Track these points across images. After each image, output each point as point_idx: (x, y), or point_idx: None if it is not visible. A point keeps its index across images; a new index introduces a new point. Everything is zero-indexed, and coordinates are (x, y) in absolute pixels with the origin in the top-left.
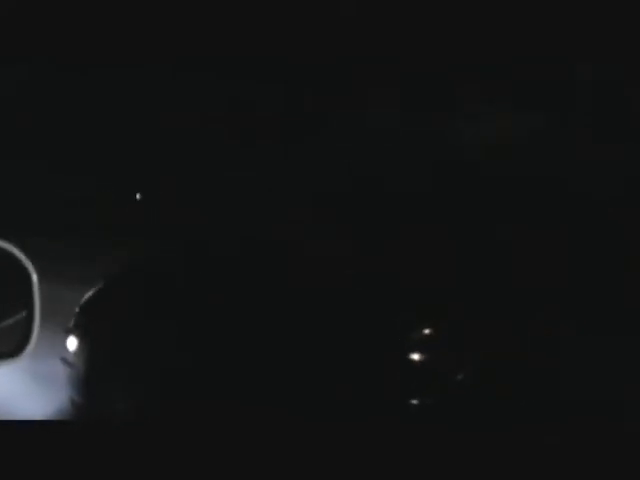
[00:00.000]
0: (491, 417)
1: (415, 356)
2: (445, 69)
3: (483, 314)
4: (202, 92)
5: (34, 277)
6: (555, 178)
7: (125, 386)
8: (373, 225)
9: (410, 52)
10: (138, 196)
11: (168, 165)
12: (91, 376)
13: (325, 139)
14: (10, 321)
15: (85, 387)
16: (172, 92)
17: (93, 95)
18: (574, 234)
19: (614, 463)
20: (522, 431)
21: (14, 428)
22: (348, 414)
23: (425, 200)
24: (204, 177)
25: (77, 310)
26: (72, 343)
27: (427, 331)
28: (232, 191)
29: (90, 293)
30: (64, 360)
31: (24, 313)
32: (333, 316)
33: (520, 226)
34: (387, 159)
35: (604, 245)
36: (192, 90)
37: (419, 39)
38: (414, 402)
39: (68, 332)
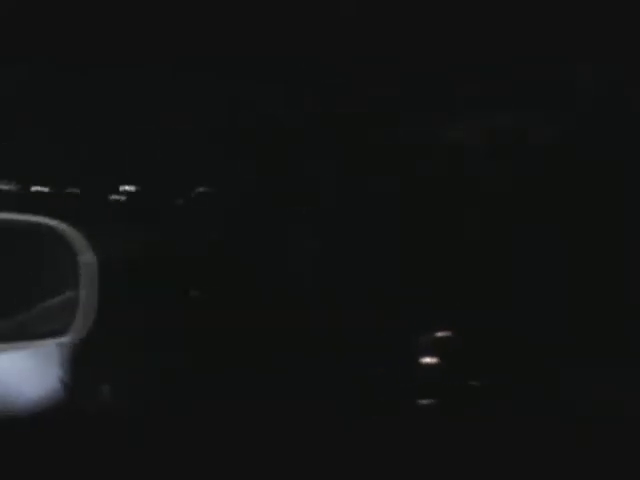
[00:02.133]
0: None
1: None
2: (445, 69)
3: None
4: (202, 92)
5: (82, 256)
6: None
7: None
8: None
9: (410, 52)
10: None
11: (166, 166)
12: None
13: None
14: (57, 300)
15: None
16: (172, 92)
17: (91, 95)
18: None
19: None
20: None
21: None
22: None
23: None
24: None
25: None
26: None
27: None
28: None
29: None
30: None
31: (71, 292)
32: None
33: (521, 226)
34: (385, 159)
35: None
36: (192, 90)
37: (419, 39)
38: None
39: None
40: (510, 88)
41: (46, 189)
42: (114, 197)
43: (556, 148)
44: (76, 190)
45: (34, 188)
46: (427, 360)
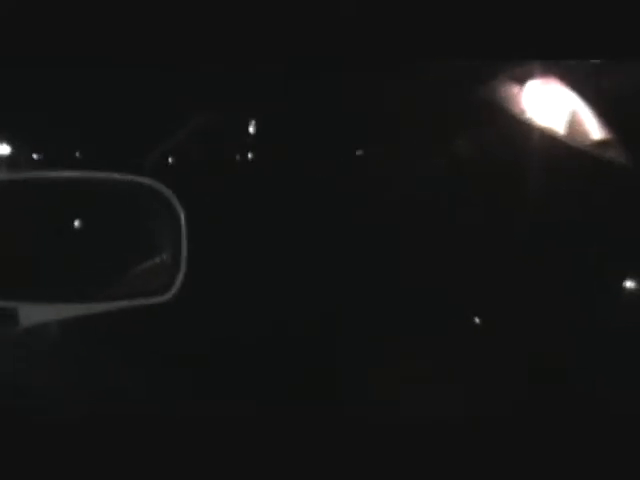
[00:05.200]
0: None
1: None
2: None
3: None
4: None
5: (182, 216)
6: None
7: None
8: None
9: (411, 52)
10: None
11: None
12: None
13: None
14: (157, 260)
15: None
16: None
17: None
18: None
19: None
20: None
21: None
22: None
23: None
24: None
25: None
26: None
27: None
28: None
29: None
30: None
31: (172, 252)
32: None
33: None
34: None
35: None
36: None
37: (420, 39)
38: None
39: None
40: None
41: None
42: None
43: None
44: None
45: None
46: None
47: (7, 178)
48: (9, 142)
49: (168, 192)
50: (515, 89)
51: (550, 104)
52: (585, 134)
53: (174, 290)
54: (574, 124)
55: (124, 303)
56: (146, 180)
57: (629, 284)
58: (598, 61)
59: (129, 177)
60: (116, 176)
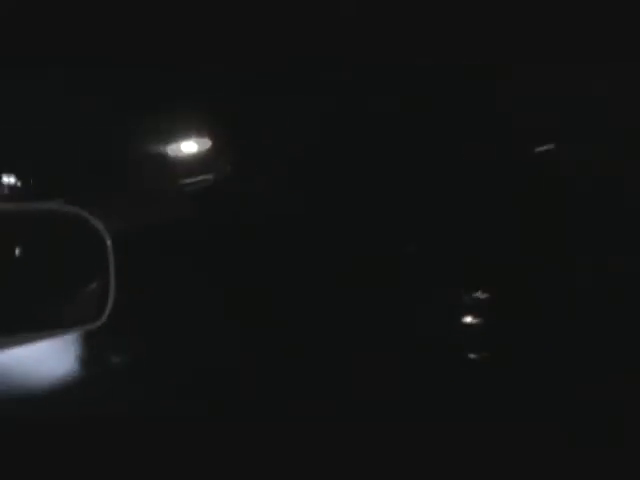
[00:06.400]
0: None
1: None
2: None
3: None
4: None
5: (109, 243)
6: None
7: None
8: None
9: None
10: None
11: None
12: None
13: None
14: (86, 288)
15: None
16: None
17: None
18: None
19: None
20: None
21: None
22: None
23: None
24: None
25: None
26: None
27: None
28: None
29: None
30: None
31: (99, 280)
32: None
33: None
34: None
35: None
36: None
37: (420, 39)
38: None
39: None
40: None
41: None
42: None
43: None
44: None
45: None
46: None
47: None
48: None
49: (94, 221)
50: None
51: None
52: None
53: (104, 317)
54: None
55: (55, 333)
56: (72, 209)
57: None
58: None
59: (54, 206)
60: (40, 206)
